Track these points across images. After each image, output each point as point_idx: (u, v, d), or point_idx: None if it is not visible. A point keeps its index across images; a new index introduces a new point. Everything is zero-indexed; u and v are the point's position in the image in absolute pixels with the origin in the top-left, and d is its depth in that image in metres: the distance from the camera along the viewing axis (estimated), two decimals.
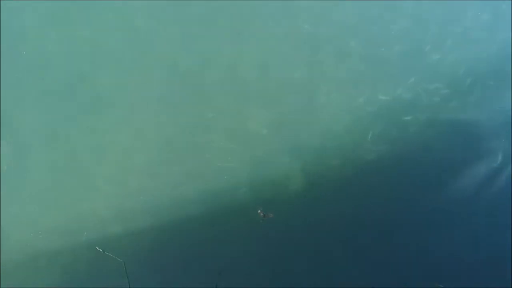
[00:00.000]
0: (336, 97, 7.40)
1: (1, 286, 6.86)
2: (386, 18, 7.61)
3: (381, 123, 7.36)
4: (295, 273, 7.12)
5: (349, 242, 7.18)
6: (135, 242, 7.02)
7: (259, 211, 7.05)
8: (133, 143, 7.20)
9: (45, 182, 7.07)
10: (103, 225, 7.02)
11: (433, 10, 7.60)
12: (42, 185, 7.07)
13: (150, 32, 7.44)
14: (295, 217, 7.17)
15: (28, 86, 7.25)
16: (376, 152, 7.27)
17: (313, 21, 7.60)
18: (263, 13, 7.52)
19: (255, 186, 7.16)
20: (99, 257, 6.91)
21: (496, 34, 7.49)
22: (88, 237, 6.98)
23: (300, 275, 7.12)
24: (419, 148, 7.31)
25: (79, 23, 7.45)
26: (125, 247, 6.96)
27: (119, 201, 7.08)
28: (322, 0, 7.58)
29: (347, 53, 7.50)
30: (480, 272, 7.10)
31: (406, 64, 7.50)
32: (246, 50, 7.44)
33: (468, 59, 7.46)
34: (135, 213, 7.08)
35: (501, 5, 7.57)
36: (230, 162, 7.21)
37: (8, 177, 7.02)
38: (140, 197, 7.09)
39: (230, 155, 7.21)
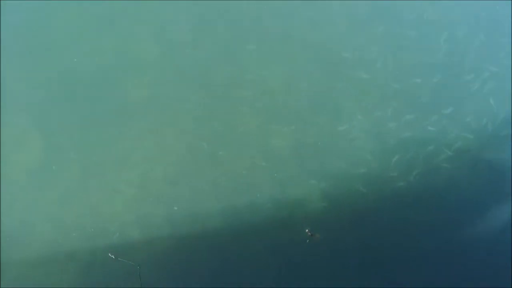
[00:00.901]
0: (363, 122, 7.43)
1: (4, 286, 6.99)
2: (420, 47, 7.67)
3: (408, 152, 7.35)
4: None
5: (366, 267, 7.11)
6: (152, 247, 7.05)
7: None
8: (158, 153, 7.30)
9: (70, 184, 7.20)
10: (122, 229, 7.09)
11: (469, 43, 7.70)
12: (67, 187, 7.20)
13: (181, 46, 7.69)
14: (321, 239, 7.09)
15: (59, 93, 7.53)
16: (402, 181, 7.23)
17: (345, 46, 7.70)
18: (293, 34, 7.74)
19: (279, 205, 7.12)
20: (115, 259, 7.00)
21: None
22: (107, 239, 7.06)
23: None
24: (445, 181, 7.24)
25: (111, 32, 7.74)
26: (141, 251, 7.01)
27: (139, 207, 7.10)
28: (355, 26, 7.71)
29: (377, 78, 7.58)
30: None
31: (436, 95, 7.53)
32: (274, 69, 7.62)
33: (501, 94, 7.48)
34: (155, 219, 7.11)
35: None
36: (254, 178, 7.22)
37: (34, 178, 7.20)
38: (162, 205, 7.13)
39: (254, 171, 7.23)
